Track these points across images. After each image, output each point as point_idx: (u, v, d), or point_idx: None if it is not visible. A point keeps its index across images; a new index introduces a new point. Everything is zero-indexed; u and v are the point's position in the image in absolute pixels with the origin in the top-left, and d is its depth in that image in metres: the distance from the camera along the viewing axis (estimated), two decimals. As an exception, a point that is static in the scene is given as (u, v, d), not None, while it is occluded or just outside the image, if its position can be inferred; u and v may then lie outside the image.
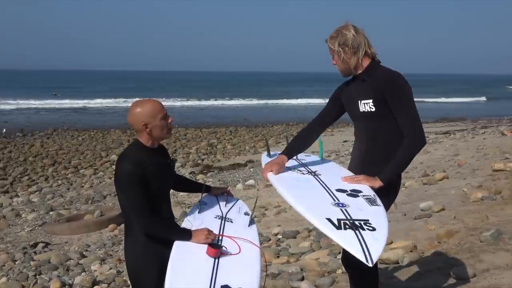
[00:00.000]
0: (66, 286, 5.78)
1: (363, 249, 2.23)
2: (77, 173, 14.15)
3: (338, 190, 2.84)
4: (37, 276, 6.20)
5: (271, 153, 3.63)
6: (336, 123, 3.47)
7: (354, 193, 2.81)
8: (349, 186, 2.91)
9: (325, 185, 2.93)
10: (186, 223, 2.88)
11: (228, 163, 14.88)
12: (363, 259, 2.19)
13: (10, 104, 38.01)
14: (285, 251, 6.04)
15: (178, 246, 2.64)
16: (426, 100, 44.97)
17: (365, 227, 2.39)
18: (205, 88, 66.43)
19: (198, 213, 3.05)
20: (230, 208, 3.23)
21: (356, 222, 2.42)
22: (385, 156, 3.03)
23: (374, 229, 2.38)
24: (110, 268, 6.29)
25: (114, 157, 15.67)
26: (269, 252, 5.90)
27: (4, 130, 22.69)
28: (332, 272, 4.95)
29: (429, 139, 15.38)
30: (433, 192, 7.88)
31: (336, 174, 3.14)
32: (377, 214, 2.57)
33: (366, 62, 3.07)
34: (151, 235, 2.71)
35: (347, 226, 2.38)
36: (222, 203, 3.27)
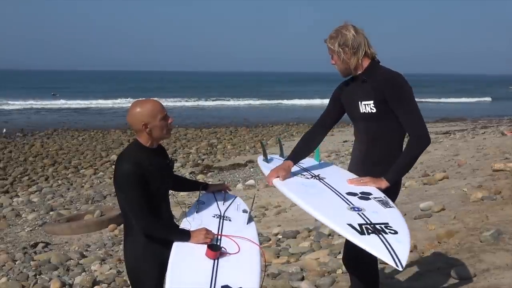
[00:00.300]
0: (66, 286, 5.78)
1: (391, 254, 2.21)
2: (77, 173, 14.15)
3: (349, 194, 2.81)
4: (37, 276, 6.19)
5: (268, 157, 3.59)
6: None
7: (365, 196, 2.80)
8: (357, 189, 2.89)
9: (334, 189, 2.90)
10: (185, 224, 2.88)
11: (228, 163, 14.87)
12: (393, 264, 2.18)
13: (10, 104, 38.09)
14: (285, 251, 6.04)
15: (178, 246, 2.64)
16: (430, 100, 44.91)
17: (386, 230, 2.38)
18: (205, 88, 66.43)
19: (197, 213, 3.05)
20: (228, 206, 3.23)
21: (377, 226, 2.41)
22: (385, 157, 3.03)
23: (396, 232, 2.38)
24: (110, 268, 6.29)
25: (114, 157, 15.67)
26: (269, 252, 5.90)
27: (4, 130, 22.70)
28: (332, 272, 4.95)
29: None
30: (433, 192, 7.87)
31: (340, 177, 3.11)
32: (394, 216, 2.56)
33: (366, 62, 3.06)
34: (150, 235, 2.71)
35: (369, 231, 2.37)
36: (220, 202, 3.27)
